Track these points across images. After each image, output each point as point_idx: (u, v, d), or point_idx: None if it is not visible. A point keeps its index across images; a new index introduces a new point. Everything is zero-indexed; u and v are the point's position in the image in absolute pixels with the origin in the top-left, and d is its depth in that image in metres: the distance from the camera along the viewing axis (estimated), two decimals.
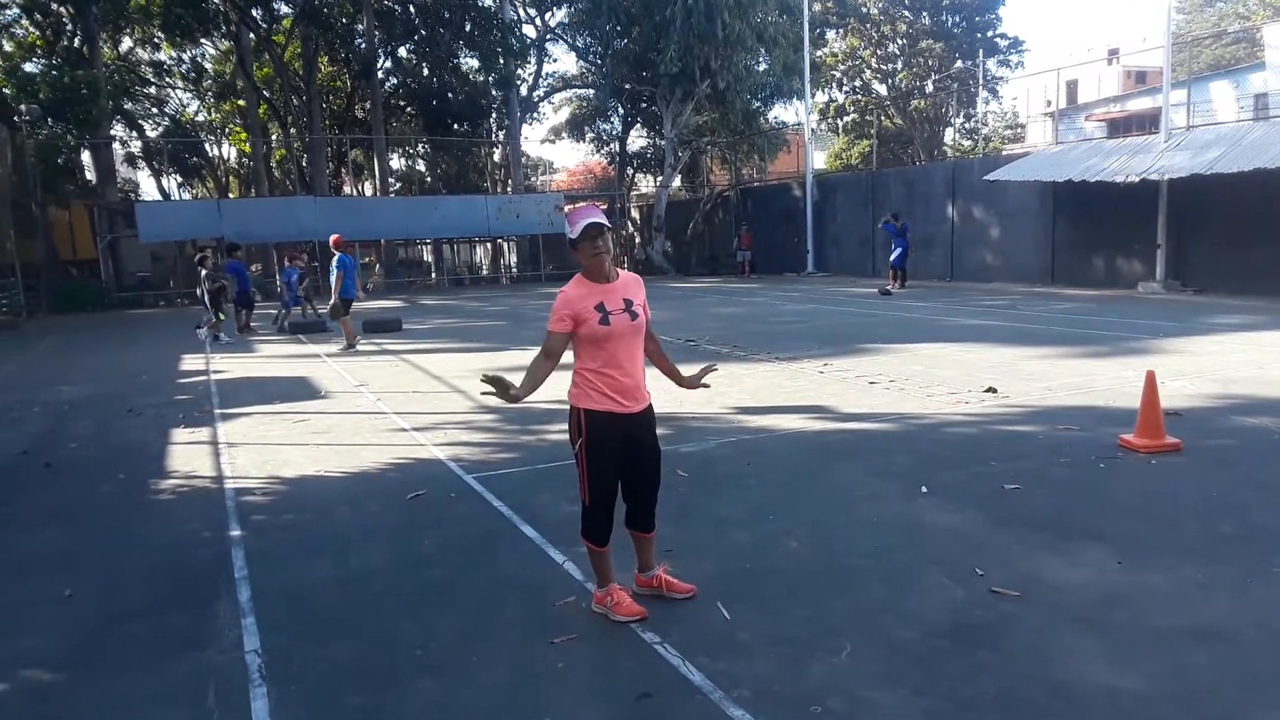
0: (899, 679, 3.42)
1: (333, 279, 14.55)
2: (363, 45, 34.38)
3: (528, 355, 13.07)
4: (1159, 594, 4.09)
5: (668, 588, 4.22)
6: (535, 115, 41.62)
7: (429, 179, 43.53)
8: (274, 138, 39.95)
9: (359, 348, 14.38)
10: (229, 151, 46.44)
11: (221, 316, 16.60)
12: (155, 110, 42.27)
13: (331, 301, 14.58)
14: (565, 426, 4.12)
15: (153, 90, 41.18)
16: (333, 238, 15.28)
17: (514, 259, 38.92)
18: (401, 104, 40.77)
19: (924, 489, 5.75)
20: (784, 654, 3.66)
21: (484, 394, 3.90)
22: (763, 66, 32.86)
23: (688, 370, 4.38)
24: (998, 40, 43.88)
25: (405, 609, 4.27)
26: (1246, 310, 15.31)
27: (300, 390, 10.59)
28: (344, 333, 14.61)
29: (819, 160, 44.01)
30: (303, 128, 36.48)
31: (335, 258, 14.51)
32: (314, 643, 3.96)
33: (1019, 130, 45.15)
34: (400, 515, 5.69)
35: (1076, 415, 7.66)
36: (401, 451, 7.33)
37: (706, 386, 4.35)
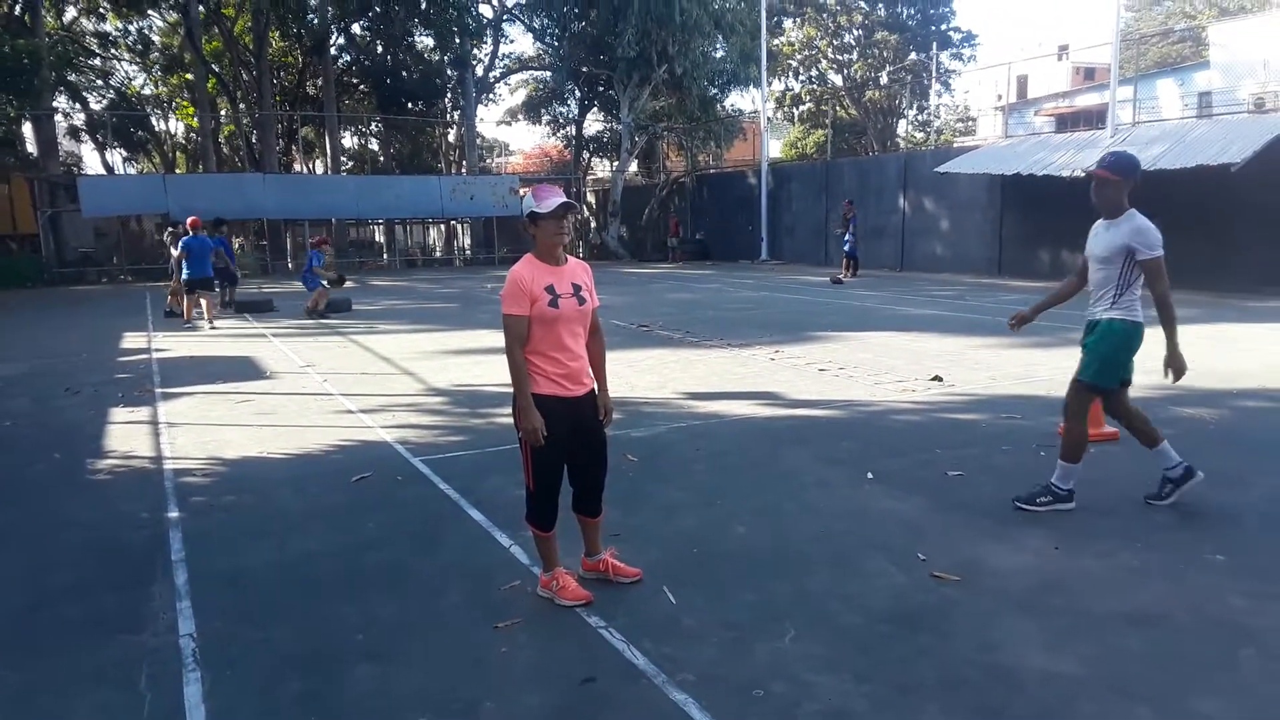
0: (842, 663, 3.44)
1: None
2: (315, 21, 33.70)
3: (479, 336, 12.98)
4: (1096, 579, 4.17)
5: (614, 572, 4.21)
6: (491, 96, 41.25)
7: (382, 159, 42.88)
8: (223, 113, 39.05)
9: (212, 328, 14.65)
10: (176, 126, 45.34)
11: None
12: (100, 82, 41.02)
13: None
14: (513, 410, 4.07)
15: (98, 62, 39.97)
16: (189, 220, 15.86)
17: (468, 241, 38.57)
18: (355, 81, 40.13)
19: (870, 475, 5.80)
20: (729, 638, 3.66)
21: (528, 435, 3.79)
22: (720, 53, 32.88)
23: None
24: (951, 34, 44.31)
25: (347, 593, 4.20)
26: (1182, 303, 15.56)
27: (245, 370, 10.39)
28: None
29: (774, 149, 44.18)
30: (252, 103, 35.72)
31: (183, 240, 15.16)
32: (252, 627, 3.88)
33: (970, 123, 45.72)
34: (344, 498, 5.60)
35: (1019, 404, 7.79)
36: (347, 434, 7.22)
37: (603, 421, 4.11)
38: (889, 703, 3.17)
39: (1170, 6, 54.85)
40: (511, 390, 3.92)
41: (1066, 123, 34.48)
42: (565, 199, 3.80)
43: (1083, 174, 18.67)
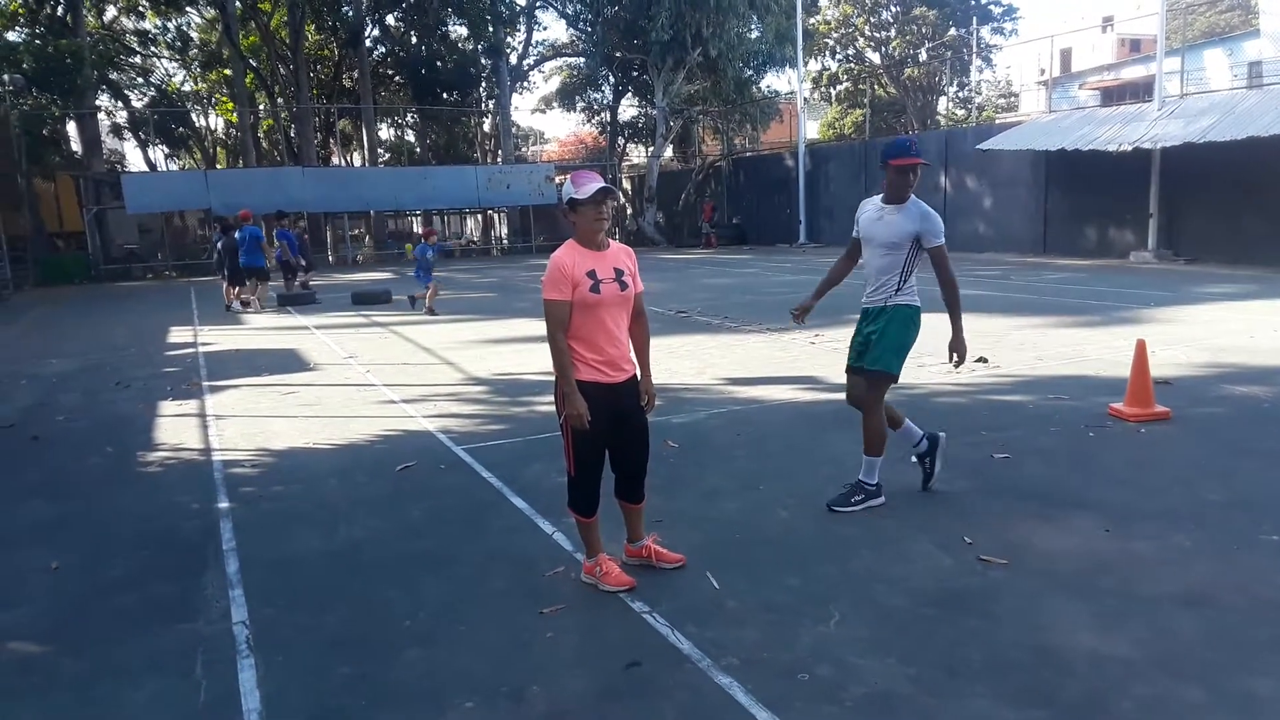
0: (887, 646, 3.42)
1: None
2: (350, 13, 33.98)
3: (518, 325, 13.05)
4: (1146, 561, 4.11)
5: (657, 558, 4.22)
6: (525, 84, 41.34)
7: (418, 149, 43.19)
8: (261, 107, 39.55)
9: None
10: (216, 122, 46.02)
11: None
12: (141, 80, 41.76)
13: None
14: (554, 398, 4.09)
15: (138, 60, 40.67)
16: (240, 212, 17.17)
17: (505, 230, 38.73)
18: (390, 73, 40.39)
19: (914, 458, 5.74)
20: (772, 622, 3.66)
21: (572, 421, 3.81)
22: (755, 34, 32.58)
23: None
24: (991, 7, 43.58)
25: (394, 579, 4.26)
26: (1238, 279, 15.32)
27: (289, 362, 10.54)
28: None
29: (811, 130, 43.78)
30: (290, 97, 36.12)
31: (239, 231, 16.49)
32: (302, 613, 3.95)
33: (1012, 99, 44.96)
34: (389, 487, 5.67)
35: (1066, 384, 7.66)
36: (390, 423, 7.31)
37: (645, 407, 4.09)
38: (936, 685, 3.15)
39: None
40: (552, 377, 3.93)
41: (1112, 96, 33.75)
42: (603, 184, 3.79)
43: (1129, 148, 18.30)
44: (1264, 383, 7.47)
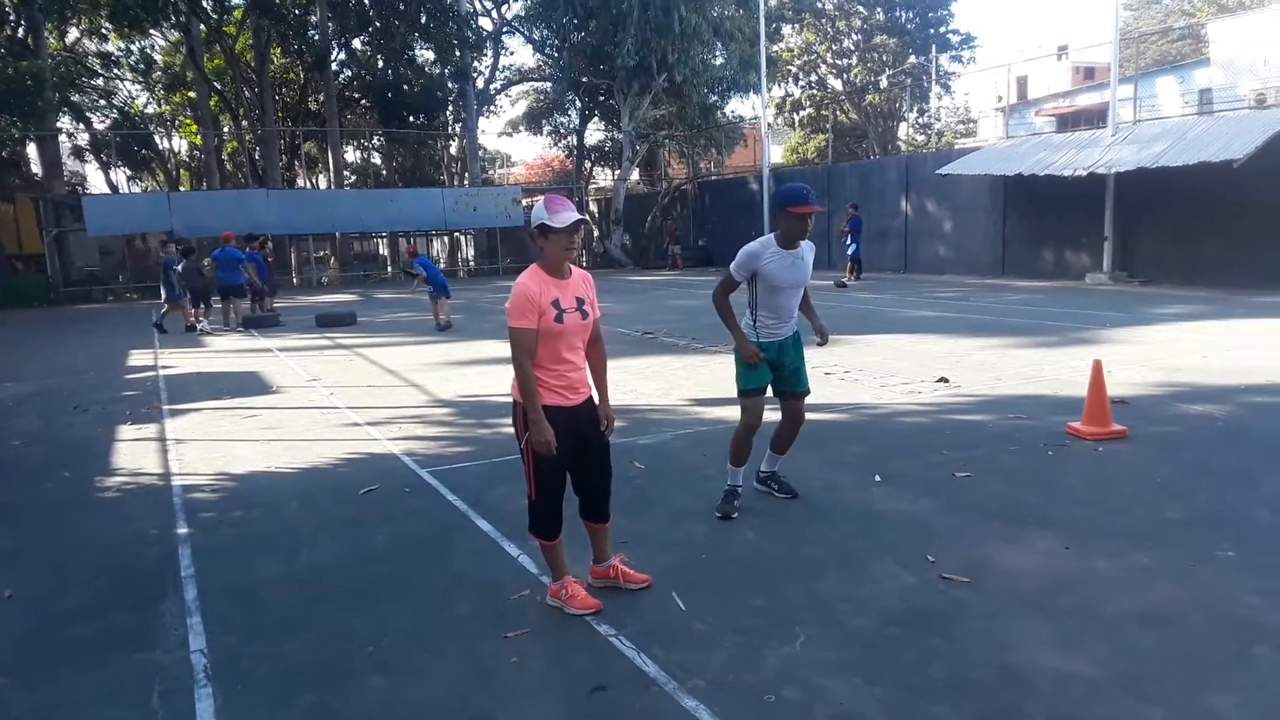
0: (853, 667, 3.43)
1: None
2: (316, 37, 33.84)
3: (484, 347, 12.97)
4: (1106, 579, 4.16)
5: (623, 578, 4.21)
6: (492, 108, 41.35)
7: (384, 172, 43.00)
8: (225, 130, 39.21)
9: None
10: (179, 144, 45.52)
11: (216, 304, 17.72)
12: (103, 102, 41.22)
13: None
14: None
15: (100, 82, 40.17)
16: (223, 234, 18.14)
17: (472, 252, 38.62)
18: (356, 96, 40.23)
19: (877, 478, 5.79)
20: (739, 643, 3.66)
21: (539, 448, 3.82)
22: (719, 60, 32.89)
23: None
24: (950, 36, 44.33)
25: (357, 605, 4.20)
26: (1191, 300, 15.66)
27: (251, 385, 10.41)
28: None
29: (775, 154, 44.23)
30: (255, 120, 35.84)
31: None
32: (262, 641, 3.88)
33: (971, 125, 45.75)
34: (352, 510, 5.61)
35: (1025, 404, 7.77)
36: (354, 446, 7.23)
37: (605, 430, 4.09)
38: (901, 706, 3.16)
39: (1169, 4, 54.84)
40: (511, 400, 3.93)
41: (1067, 122, 34.45)
42: (579, 215, 3.80)
43: (1084, 173, 18.69)
44: (1218, 401, 7.62)
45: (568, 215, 3.77)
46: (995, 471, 5.88)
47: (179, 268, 17.05)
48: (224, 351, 13.99)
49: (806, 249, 5.05)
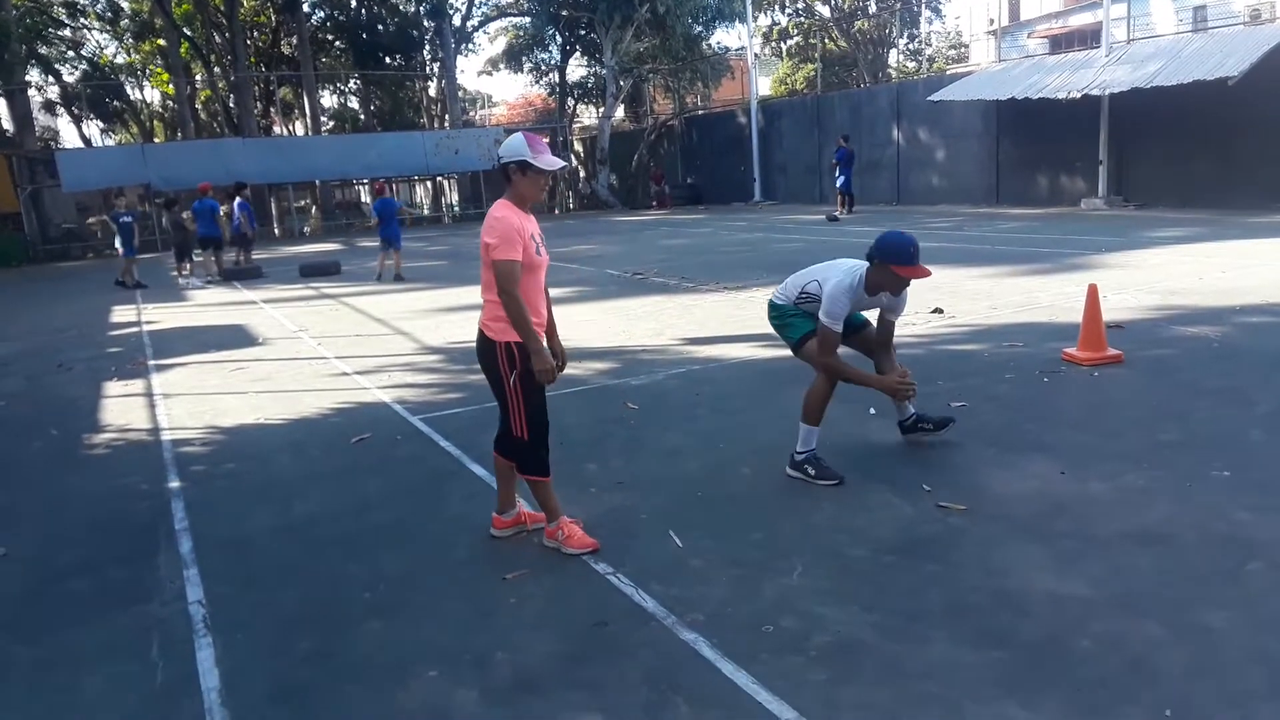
0: (849, 595, 3.44)
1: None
2: None
3: (471, 293, 12.88)
4: (1102, 501, 4.16)
5: (531, 521, 4.22)
6: (470, 46, 40.71)
7: (362, 116, 42.30)
8: (198, 78, 38.43)
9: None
10: (152, 94, 44.66)
11: (197, 257, 17.58)
12: (72, 53, 40.33)
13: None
14: None
15: (68, 32, 39.22)
16: (200, 185, 17.86)
17: (455, 197, 38.20)
18: (330, 38, 39.41)
19: (872, 410, 5.76)
20: (737, 577, 3.65)
21: (519, 383, 3.81)
22: None
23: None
24: None
25: (352, 553, 4.19)
26: (1187, 223, 15.57)
27: (237, 338, 10.32)
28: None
29: (763, 86, 43.53)
30: (227, 66, 35.13)
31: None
32: (259, 591, 3.87)
33: (963, 50, 45.01)
34: (345, 460, 5.58)
35: (1021, 332, 7.74)
36: (344, 396, 7.18)
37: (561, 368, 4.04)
38: (897, 631, 3.16)
39: None
40: (489, 341, 3.91)
41: (1061, 44, 33.97)
42: (561, 160, 3.79)
43: (1079, 95, 18.42)
44: (1213, 323, 7.60)
45: (552, 158, 3.76)
46: (991, 400, 5.87)
47: (164, 221, 16.89)
48: (208, 305, 13.85)
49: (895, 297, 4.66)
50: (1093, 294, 6.55)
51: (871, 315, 4.96)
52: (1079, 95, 18.68)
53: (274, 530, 4.53)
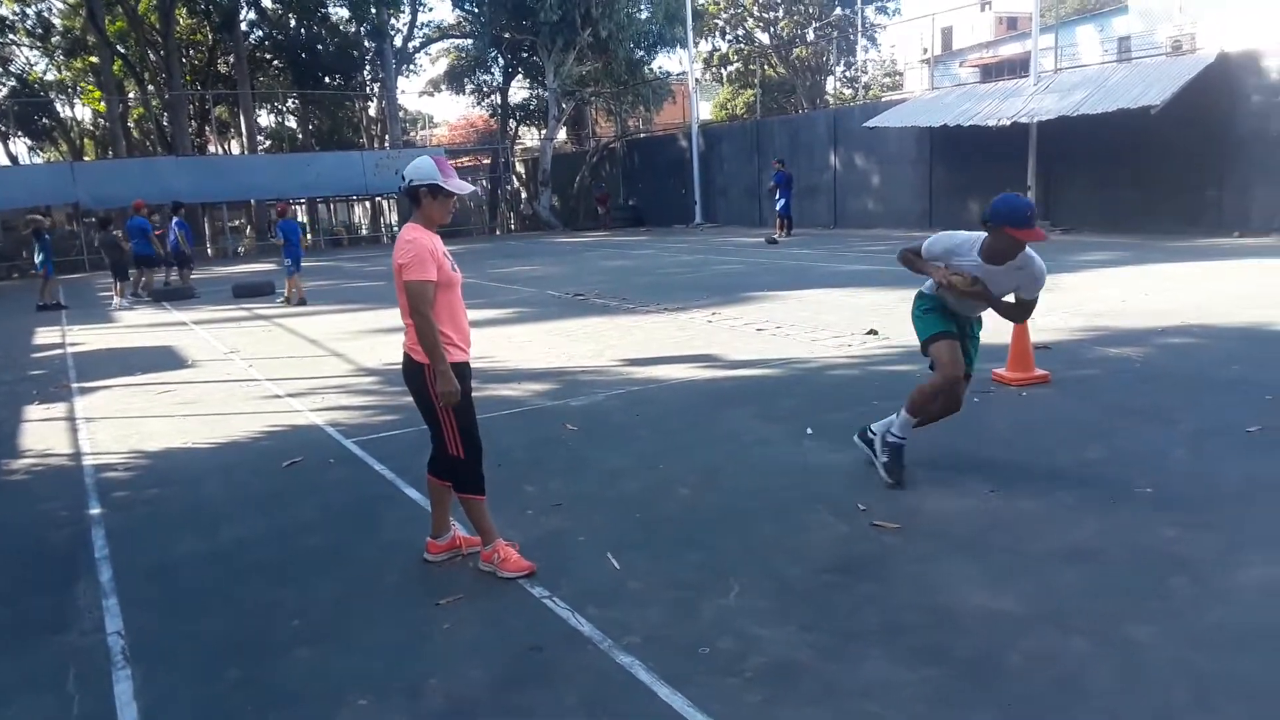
0: (787, 615, 3.44)
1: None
2: None
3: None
4: (1032, 519, 4.24)
5: (466, 545, 4.16)
6: (412, 67, 40.28)
7: (300, 136, 41.73)
8: (131, 96, 37.57)
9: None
10: (83, 112, 43.52)
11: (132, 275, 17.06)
12: None
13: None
14: None
15: None
16: (134, 202, 17.61)
17: (395, 217, 37.83)
18: (268, 57, 38.90)
19: (809, 431, 5.81)
20: (675, 599, 3.64)
21: (448, 399, 3.76)
22: (644, 15, 32.55)
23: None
24: None
25: (281, 579, 4.08)
26: (1111, 247, 16.06)
27: (165, 360, 10.04)
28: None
29: (704, 110, 44.03)
30: (162, 84, 34.41)
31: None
32: (183, 619, 3.74)
33: (897, 78, 46.07)
34: (275, 484, 5.44)
35: None
36: (276, 419, 7.02)
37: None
38: (834, 651, 3.17)
39: None
40: (414, 363, 3.87)
41: (991, 73, 34.94)
42: (470, 185, 3.83)
43: (1008, 123, 18.92)
44: (1136, 344, 7.83)
45: (462, 183, 3.83)
46: None
47: (97, 241, 16.41)
48: (136, 326, 13.47)
49: (1020, 270, 4.51)
50: None
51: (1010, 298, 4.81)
52: (1008, 123, 19.21)
53: (200, 557, 4.40)
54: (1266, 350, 7.50)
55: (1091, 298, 10.39)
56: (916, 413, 4.75)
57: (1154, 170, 18.22)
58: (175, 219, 17.89)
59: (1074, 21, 39.85)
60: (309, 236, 35.36)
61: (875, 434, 4.91)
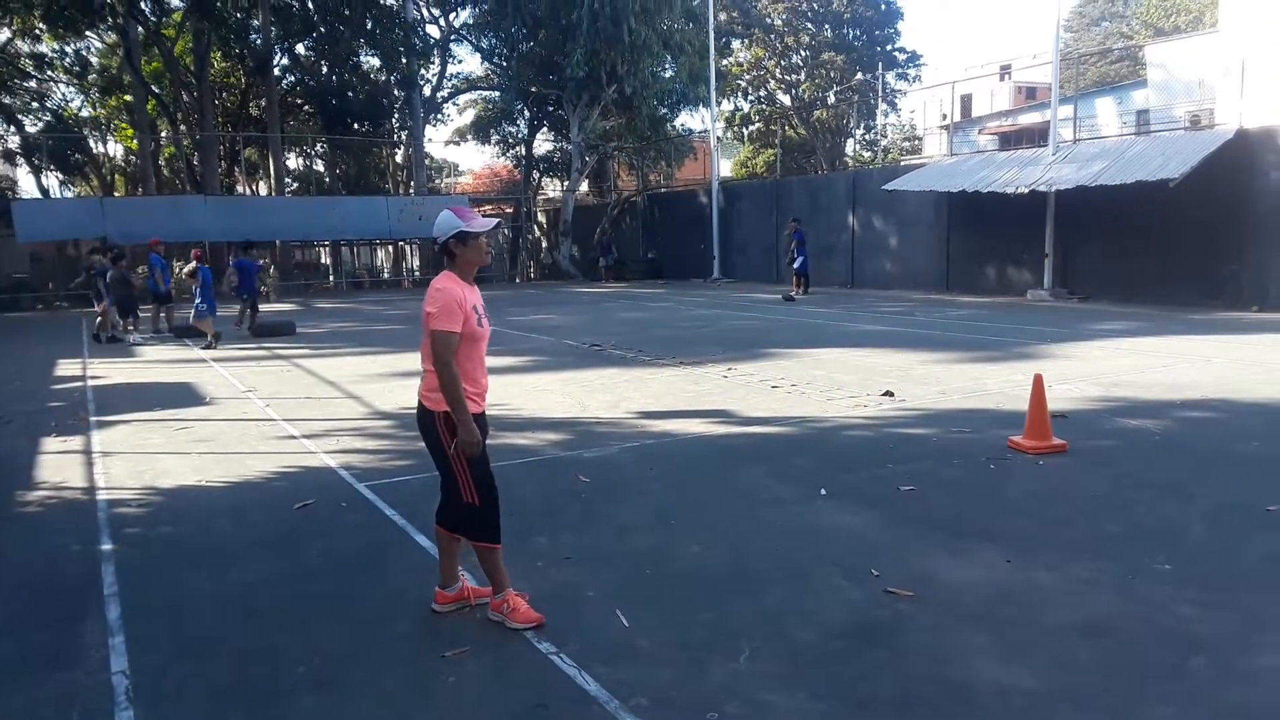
0: (797, 681, 3.39)
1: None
2: (258, 41, 33.26)
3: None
4: (1047, 591, 4.18)
5: (475, 596, 4.14)
6: (439, 116, 40.91)
7: (327, 179, 42.36)
8: (163, 135, 38.30)
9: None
10: (115, 149, 44.35)
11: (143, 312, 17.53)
12: (36, 105, 39.99)
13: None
14: None
15: (33, 84, 38.97)
16: (150, 240, 18.14)
17: (417, 262, 38.21)
18: (299, 102, 39.60)
19: (823, 491, 5.78)
20: (684, 659, 3.60)
21: (461, 452, 3.81)
22: (669, 73, 33.05)
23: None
24: (896, 54, 45.20)
25: (289, 623, 4.06)
26: (1128, 317, 16.03)
27: (183, 397, 10.11)
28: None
29: (725, 168, 44.51)
30: (194, 125, 35.09)
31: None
32: (188, 661, 3.72)
33: (916, 142, 46.53)
34: (287, 526, 5.44)
35: (968, 418, 7.85)
36: (290, 460, 7.04)
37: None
38: (845, 719, 3.12)
39: (1108, 27, 56.56)
40: (428, 411, 3.90)
41: (1009, 141, 35.24)
42: (494, 218, 3.81)
43: (1026, 190, 19.06)
44: (1154, 416, 7.78)
45: (484, 220, 3.88)
46: (939, 485, 5.91)
47: (109, 275, 16.61)
48: (156, 361, 13.59)
49: None
50: (1038, 384, 6.68)
51: None
52: (1027, 190, 19.32)
53: (208, 597, 4.39)
54: None
55: (1109, 367, 10.35)
56: None
57: (1172, 242, 18.23)
58: (241, 259, 17.75)
59: (1093, 93, 40.25)
60: (331, 279, 35.75)
61: None
